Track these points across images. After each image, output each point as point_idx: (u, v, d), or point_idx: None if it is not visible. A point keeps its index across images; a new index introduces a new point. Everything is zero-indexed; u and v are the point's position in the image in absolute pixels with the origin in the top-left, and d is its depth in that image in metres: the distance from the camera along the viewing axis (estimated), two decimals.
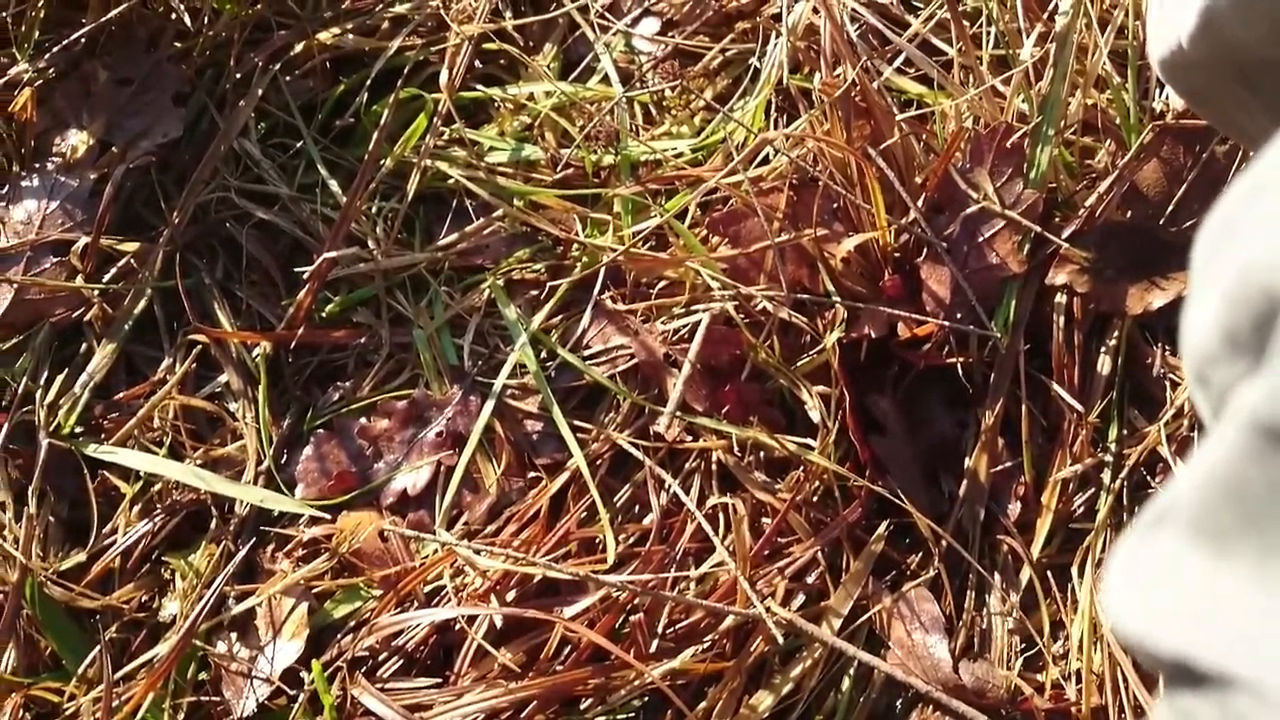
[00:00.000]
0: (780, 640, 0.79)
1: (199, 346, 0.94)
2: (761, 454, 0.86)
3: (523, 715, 0.79)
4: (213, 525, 0.89)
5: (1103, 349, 0.86)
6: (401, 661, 0.82)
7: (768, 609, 0.79)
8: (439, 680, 0.81)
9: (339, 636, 0.83)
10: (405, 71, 1.01)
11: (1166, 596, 0.37)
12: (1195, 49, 0.55)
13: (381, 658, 0.82)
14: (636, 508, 0.86)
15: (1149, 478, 0.83)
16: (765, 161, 0.93)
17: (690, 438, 0.86)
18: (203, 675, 0.85)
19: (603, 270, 0.91)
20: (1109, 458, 0.84)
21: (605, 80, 1.00)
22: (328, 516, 0.87)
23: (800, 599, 0.83)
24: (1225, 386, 0.38)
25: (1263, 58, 0.54)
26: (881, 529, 0.84)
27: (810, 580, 0.83)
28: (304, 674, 0.82)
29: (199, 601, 0.84)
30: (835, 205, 0.88)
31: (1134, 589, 0.39)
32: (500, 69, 1.03)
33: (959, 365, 0.86)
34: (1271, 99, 0.57)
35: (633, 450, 0.85)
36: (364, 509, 0.87)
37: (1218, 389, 0.39)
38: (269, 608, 0.84)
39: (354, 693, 0.80)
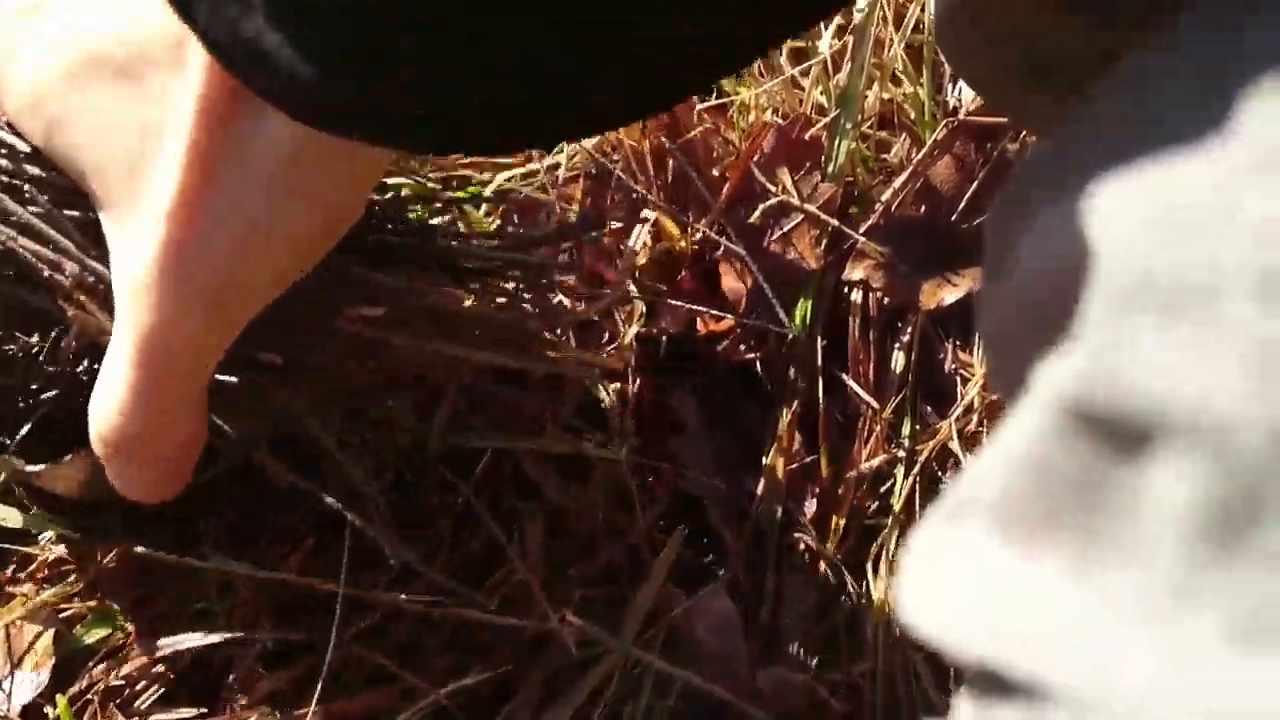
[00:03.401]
0: (574, 650, 0.76)
1: None
2: (558, 456, 0.82)
3: None
4: None
5: (897, 345, 0.86)
6: (162, 690, 0.75)
7: (563, 618, 0.76)
8: (204, 710, 0.74)
9: (90, 665, 0.76)
10: None
11: (969, 595, 0.34)
12: (954, 14, 0.52)
13: (139, 687, 0.75)
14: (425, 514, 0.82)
15: (940, 473, 0.84)
16: (562, 151, 0.89)
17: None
18: None
19: None
20: (902, 454, 0.84)
21: None
22: (75, 534, 0.79)
23: (597, 604, 0.80)
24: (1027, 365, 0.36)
25: (1037, 32, 0.50)
26: (680, 530, 0.81)
27: (607, 586, 0.80)
28: (49, 709, 0.74)
29: None
30: (635, 197, 0.85)
31: (933, 586, 0.36)
32: None
33: (758, 362, 0.84)
34: (1062, 90, 0.53)
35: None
36: None
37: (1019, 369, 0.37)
38: (7, 635, 0.75)
39: None
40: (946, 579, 0.35)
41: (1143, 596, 0.29)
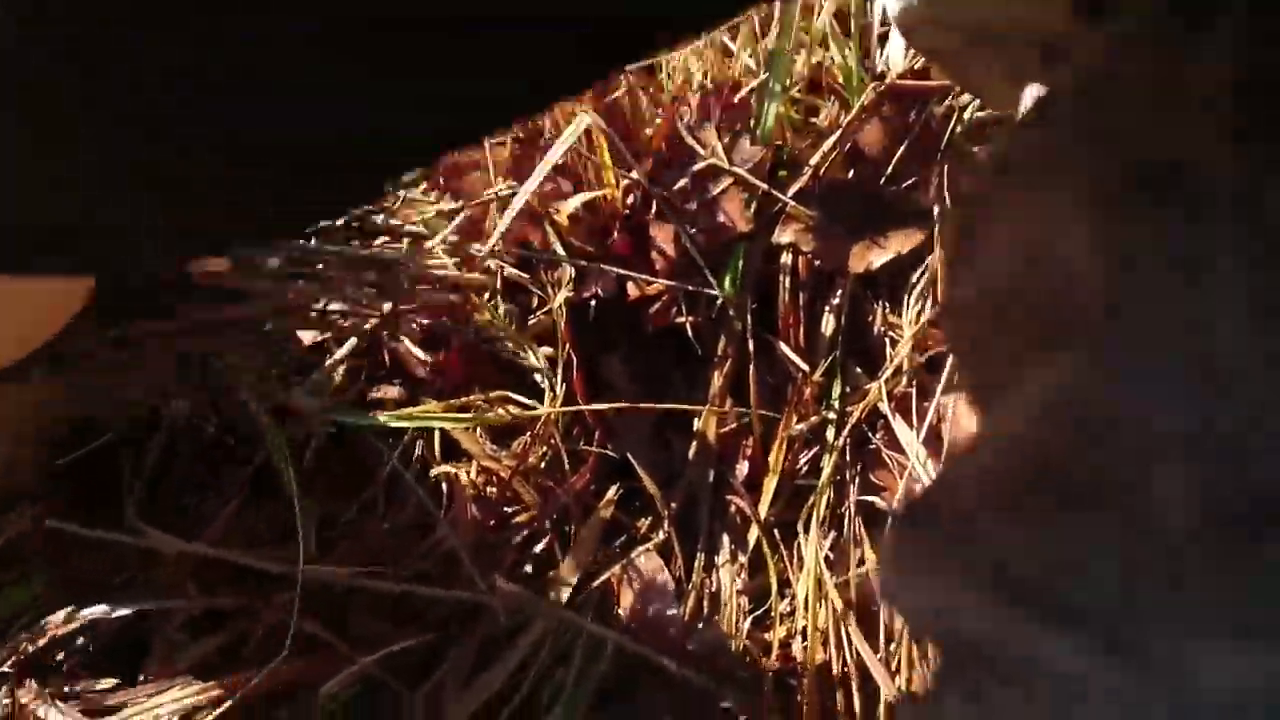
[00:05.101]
0: (504, 616, 0.76)
1: None
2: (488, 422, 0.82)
3: (224, 711, 0.72)
4: None
5: (827, 308, 0.86)
6: (83, 660, 0.73)
7: (493, 583, 0.75)
8: (129, 679, 0.73)
9: (7, 636, 0.74)
10: None
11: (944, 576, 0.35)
12: (925, 6, 0.55)
13: (60, 657, 0.73)
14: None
15: (870, 434, 0.84)
16: None
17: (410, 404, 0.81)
18: None
19: None
20: (832, 415, 0.84)
21: None
22: None
23: (528, 569, 0.79)
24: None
25: (984, 20, 0.53)
26: (611, 493, 0.81)
27: (538, 550, 0.80)
28: None
29: None
30: (563, 161, 0.85)
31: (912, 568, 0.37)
32: None
33: (688, 325, 0.84)
34: (1006, 65, 0.57)
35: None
36: None
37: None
38: None
39: (23, 699, 0.71)
40: (923, 563, 0.36)
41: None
